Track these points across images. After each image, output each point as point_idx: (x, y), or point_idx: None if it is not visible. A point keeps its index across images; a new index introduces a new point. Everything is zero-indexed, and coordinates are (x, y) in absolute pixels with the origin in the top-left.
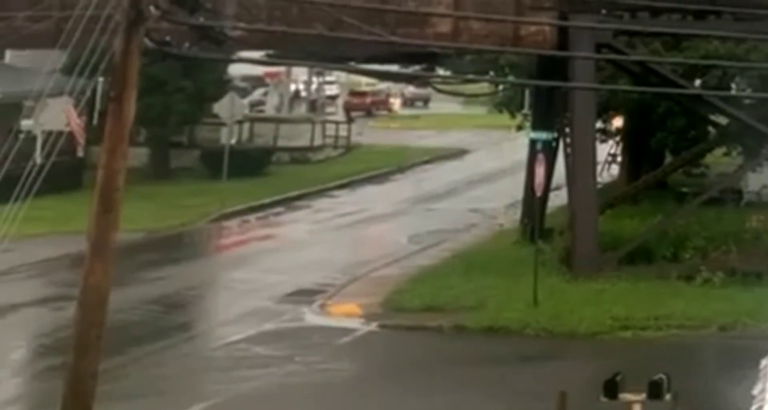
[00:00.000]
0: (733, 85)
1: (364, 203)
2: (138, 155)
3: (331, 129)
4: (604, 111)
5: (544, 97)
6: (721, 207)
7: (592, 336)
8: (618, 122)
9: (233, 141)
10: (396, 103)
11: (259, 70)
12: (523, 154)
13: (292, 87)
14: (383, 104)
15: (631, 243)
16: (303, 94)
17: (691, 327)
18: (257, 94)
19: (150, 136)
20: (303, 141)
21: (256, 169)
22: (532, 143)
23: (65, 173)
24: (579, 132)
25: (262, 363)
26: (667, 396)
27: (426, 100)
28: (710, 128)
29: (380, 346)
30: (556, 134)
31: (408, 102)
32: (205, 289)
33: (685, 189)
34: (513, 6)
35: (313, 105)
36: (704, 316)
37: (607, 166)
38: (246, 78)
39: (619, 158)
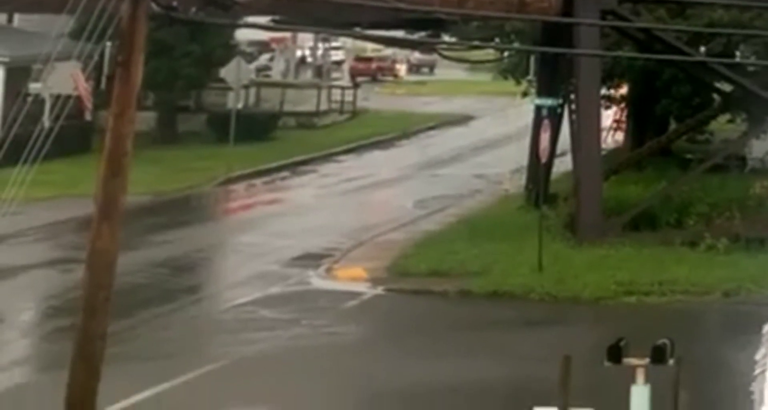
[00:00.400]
0: (738, 53)
1: (369, 168)
2: (145, 119)
3: (336, 94)
4: (609, 78)
5: (549, 63)
6: (725, 174)
7: (596, 301)
8: (622, 89)
9: (240, 106)
10: (401, 69)
11: (265, 35)
12: (528, 120)
13: (298, 52)
14: (389, 69)
15: (636, 209)
16: (309, 59)
17: (695, 292)
18: (263, 59)
19: (157, 100)
20: (309, 106)
21: (262, 133)
22: (537, 109)
23: (73, 137)
24: (584, 98)
25: (269, 325)
26: (671, 361)
27: (431, 67)
28: (714, 95)
29: (386, 310)
30: (561, 101)
31: (413, 68)
32: (212, 252)
33: (689, 156)
34: None
35: (319, 70)
36: (708, 282)
37: (611, 132)
38: (252, 43)
39: (623, 124)
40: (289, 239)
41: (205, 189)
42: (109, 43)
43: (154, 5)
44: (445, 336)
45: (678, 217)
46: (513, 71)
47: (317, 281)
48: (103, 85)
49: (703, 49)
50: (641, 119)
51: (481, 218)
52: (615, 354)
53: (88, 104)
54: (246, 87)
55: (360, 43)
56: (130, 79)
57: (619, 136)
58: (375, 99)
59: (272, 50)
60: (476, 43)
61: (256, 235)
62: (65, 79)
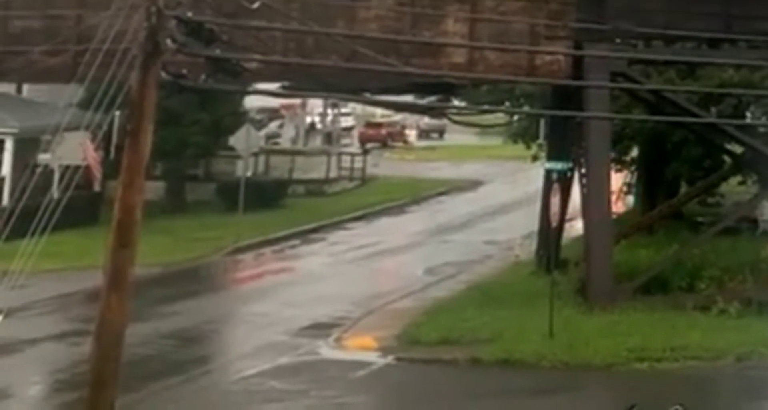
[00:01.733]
0: (748, 114)
1: (379, 236)
2: (154, 189)
3: (346, 161)
4: (619, 140)
5: (559, 127)
6: (737, 237)
7: (608, 368)
8: (633, 152)
9: (249, 174)
10: (411, 134)
11: (274, 102)
12: (538, 184)
13: (308, 119)
14: (399, 135)
15: (647, 274)
16: (318, 126)
17: (708, 357)
18: (273, 126)
19: (166, 169)
20: (318, 173)
21: (271, 201)
22: (548, 173)
23: (82, 208)
24: (594, 162)
25: (278, 397)
26: None
27: (441, 131)
28: (725, 157)
29: (396, 379)
30: (571, 164)
31: (423, 133)
32: (221, 323)
33: (700, 219)
34: (528, 36)
35: (328, 137)
36: (721, 347)
37: (622, 195)
38: (262, 110)
39: (632, 188)
40: (299, 308)
41: (215, 259)
42: (118, 113)
43: (163, 73)
44: (456, 405)
45: (690, 281)
46: (523, 135)
47: (327, 350)
48: (112, 155)
49: (713, 110)
50: (652, 182)
51: (492, 285)
52: None
53: (97, 174)
54: (255, 155)
55: (369, 109)
56: (139, 148)
57: (630, 199)
58: (385, 165)
59: (282, 117)
60: (486, 107)
61: (266, 304)
62: (74, 150)
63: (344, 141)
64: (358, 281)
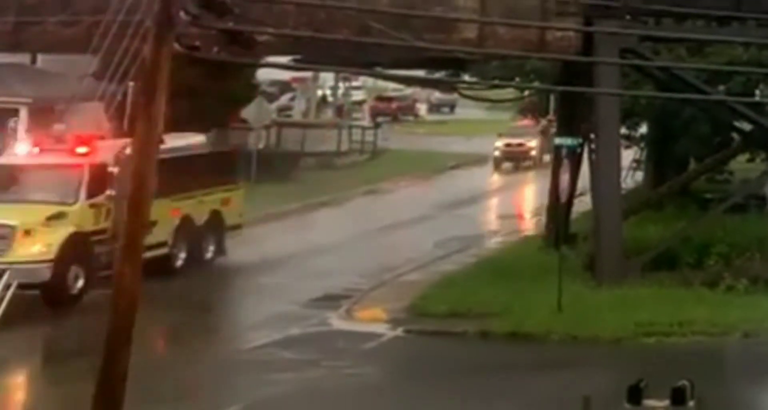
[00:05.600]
0: (757, 92)
1: (389, 209)
2: None
3: (357, 134)
4: (629, 117)
5: (569, 102)
6: (745, 213)
7: (616, 342)
8: (642, 128)
9: (261, 146)
10: (422, 108)
11: (286, 75)
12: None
13: (319, 92)
14: (409, 109)
15: (655, 249)
16: (330, 99)
17: (715, 333)
18: (285, 99)
19: None
20: (330, 146)
21: (283, 174)
22: (557, 148)
23: None
24: (603, 138)
25: (288, 367)
26: (691, 403)
27: (452, 106)
28: (734, 134)
29: (405, 351)
30: (581, 140)
31: (434, 107)
32: (232, 293)
33: (708, 195)
34: (538, 12)
35: (339, 110)
36: (728, 322)
37: (631, 172)
38: (274, 83)
39: (641, 164)
40: (309, 279)
41: None
42: (131, 84)
43: (176, 45)
44: (465, 377)
45: (698, 257)
46: (533, 110)
47: (337, 322)
48: (125, 125)
49: (722, 87)
50: (661, 159)
51: (501, 259)
52: (635, 395)
53: None
54: (267, 127)
55: (381, 83)
56: (152, 119)
57: (639, 175)
58: (395, 139)
59: (293, 90)
60: (496, 82)
61: (276, 276)
62: (88, 120)
63: (355, 115)
64: (369, 253)
